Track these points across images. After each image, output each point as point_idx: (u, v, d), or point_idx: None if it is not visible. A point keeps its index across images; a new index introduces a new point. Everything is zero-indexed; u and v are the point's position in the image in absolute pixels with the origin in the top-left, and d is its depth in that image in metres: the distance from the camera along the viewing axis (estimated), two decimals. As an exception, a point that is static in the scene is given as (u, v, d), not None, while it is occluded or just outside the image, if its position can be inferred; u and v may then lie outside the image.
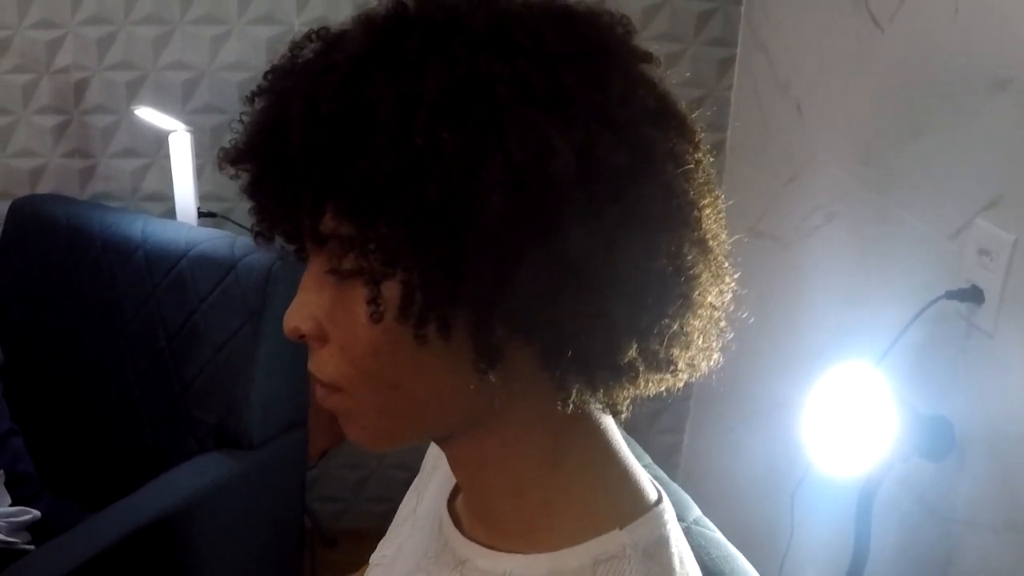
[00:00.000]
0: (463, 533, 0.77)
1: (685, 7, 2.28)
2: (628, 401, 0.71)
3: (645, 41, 0.69)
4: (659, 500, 0.74)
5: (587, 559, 0.69)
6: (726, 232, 0.71)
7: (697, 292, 0.67)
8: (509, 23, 0.63)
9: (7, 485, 1.80)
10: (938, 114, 1.52)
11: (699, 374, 0.72)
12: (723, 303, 0.71)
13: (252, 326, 1.85)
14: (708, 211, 0.68)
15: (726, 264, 0.71)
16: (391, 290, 0.63)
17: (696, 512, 1.11)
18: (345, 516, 2.74)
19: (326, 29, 0.68)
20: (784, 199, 2.06)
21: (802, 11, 2.00)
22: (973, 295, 1.38)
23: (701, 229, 0.67)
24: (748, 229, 2.15)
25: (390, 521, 0.95)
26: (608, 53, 0.66)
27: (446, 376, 0.66)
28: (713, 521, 1.07)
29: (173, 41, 2.25)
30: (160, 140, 2.17)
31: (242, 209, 2.28)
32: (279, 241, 0.70)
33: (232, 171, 0.68)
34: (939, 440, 1.40)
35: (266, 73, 0.68)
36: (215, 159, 0.70)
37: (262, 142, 0.66)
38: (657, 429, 2.63)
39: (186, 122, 2.11)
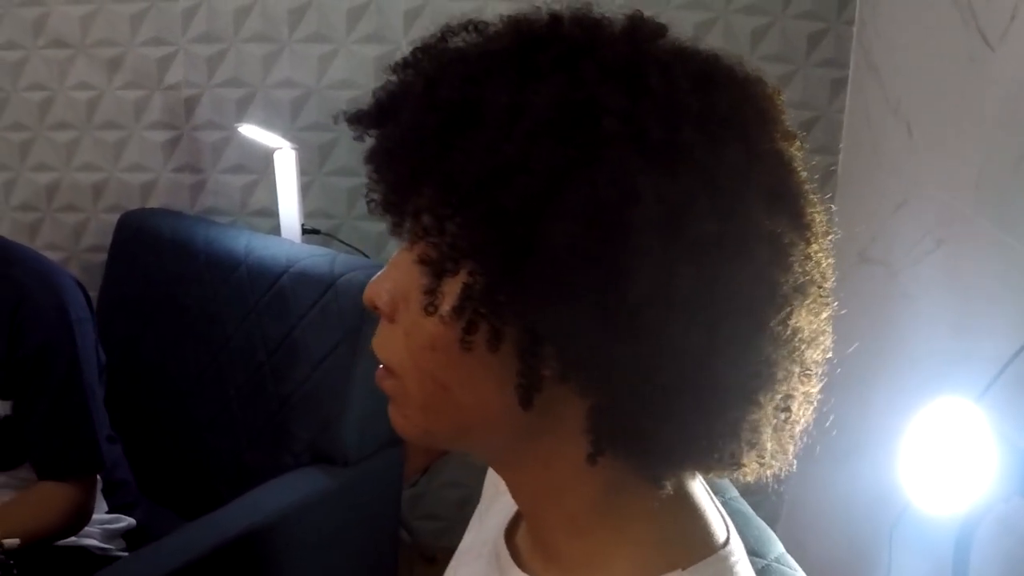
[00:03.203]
0: (521, 566, 0.76)
1: (795, 27, 2.21)
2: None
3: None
4: (727, 541, 0.71)
5: None
6: (830, 340, 0.68)
7: (768, 393, 0.65)
8: (648, 62, 0.62)
9: (104, 492, 1.83)
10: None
11: (770, 472, 0.70)
12: (805, 412, 0.69)
13: (350, 344, 1.87)
14: (804, 313, 0.65)
15: (814, 368, 0.68)
16: (452, 287, 0.63)
17: (779, 549, 1.07)
18: (446, 535, 2.73)
19: (484, 23, 0.68)
20: (894, 224, 1.98)
21: (914, 30, 1.93)
22: (1084, 327, 1.30)
23: (787, 327, 0.64)
24: (858, 255, 2.08)
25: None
26: (739, 122, 0.63)
27: (492, 394, 0.66)
28: (810, 558, 1.03)
29: (282, 59, 2.29)
30: (268, 157, 2.21)
31: (348, 227, 2.31)
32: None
33: (358, 132, 0.69)
34: (1045, 481, 1.32)
35: (415, 50, 0.69)
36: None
37: (381, 111, 0.68)
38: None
39: (294, 139, 2.15)
